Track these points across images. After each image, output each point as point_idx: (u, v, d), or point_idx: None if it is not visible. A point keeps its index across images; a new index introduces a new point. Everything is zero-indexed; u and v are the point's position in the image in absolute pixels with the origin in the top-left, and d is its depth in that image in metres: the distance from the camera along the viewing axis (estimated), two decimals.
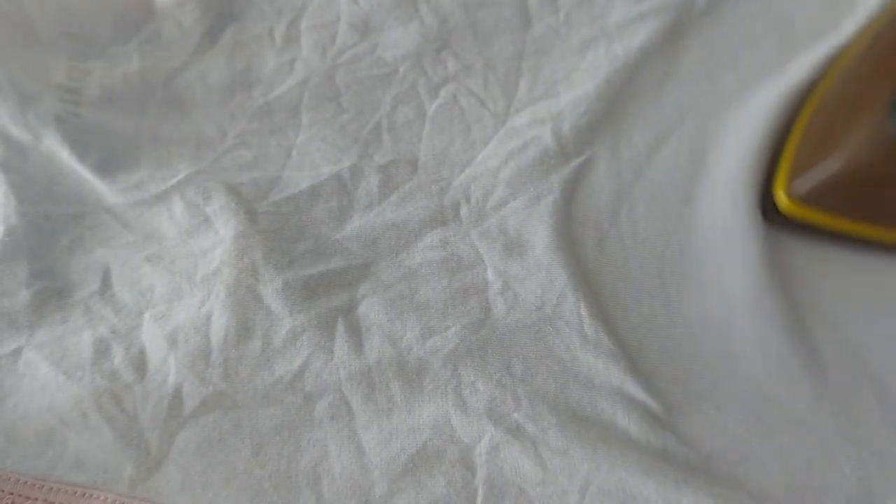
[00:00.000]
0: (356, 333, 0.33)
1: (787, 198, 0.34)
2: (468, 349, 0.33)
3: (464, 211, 0.37)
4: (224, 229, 0.35)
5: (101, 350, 0.33)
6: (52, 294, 0.34)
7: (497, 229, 0.36)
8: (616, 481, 0.29)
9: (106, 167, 0.38)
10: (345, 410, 0.32)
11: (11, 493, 0.29)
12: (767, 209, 0.35)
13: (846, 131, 0.33)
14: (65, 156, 0.37)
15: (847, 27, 0.39)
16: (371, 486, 0.30)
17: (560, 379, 0.32)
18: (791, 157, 0.35)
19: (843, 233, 0.34)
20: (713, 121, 0.39)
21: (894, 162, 0.32)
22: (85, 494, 0.29)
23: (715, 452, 0.31)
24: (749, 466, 0.31)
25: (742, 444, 0.31)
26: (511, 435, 0.31)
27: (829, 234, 0.34)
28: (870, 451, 0.31)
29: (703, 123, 0.39)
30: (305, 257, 0.35)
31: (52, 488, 0.30)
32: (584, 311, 0.34)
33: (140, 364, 0.32)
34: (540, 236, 0.36)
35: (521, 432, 0.31)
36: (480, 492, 0.30)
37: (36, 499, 0.29)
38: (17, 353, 0.33)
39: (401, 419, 0.31)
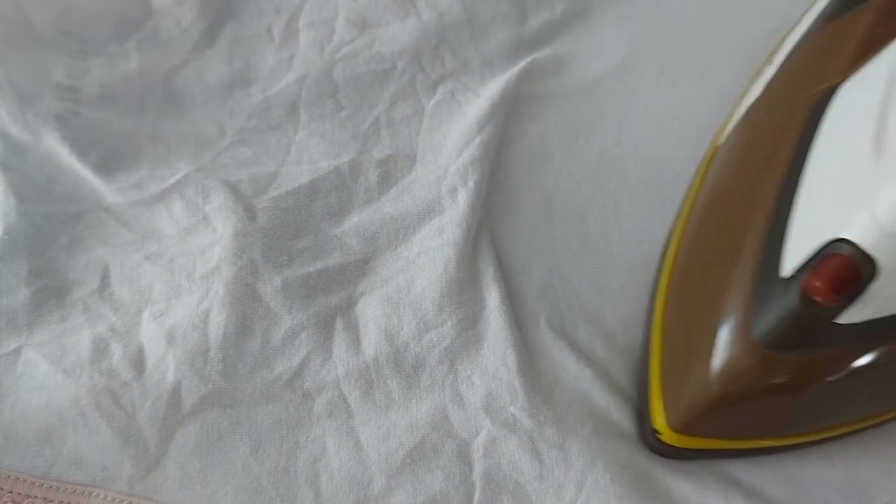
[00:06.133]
0: (354, 331, 0.33)
1: (670, 431, 0.29)
2: (464, 343, 0.33)
3: (461, 195, 0.36)
4: (223, 227, 0.35)
5: (100, 348, 0.33)
6: (51, 293, 0.34)
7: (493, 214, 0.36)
8: (611, 475, 0.29)
9: (105, 166, 0.37)
10: (343, 407, 0.32)
11: (10, 492, 0.29)
12: (648, 438, 0.31)
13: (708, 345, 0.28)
14: (64, 155, 0.37)
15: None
16: (369, 482, 0.30)
17: (555, 370, 0.32)
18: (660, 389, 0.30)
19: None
20: (704, 117, 0.39)
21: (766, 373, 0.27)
22: (84, 492, 0.29)
23: None
24: (740, 458, 0.31)
25: None
26: (508, 429, 0.31)
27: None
28: (860, 447, 0.30)
29: (693, 120, 0.39)
30: (304, 255, 0.35)
31: (51, 486, 0.29)
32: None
33: (138, 362, 0.32)
34: None
35: (518, 426, 0.31)
36: (478, 486, 0.30)
37: (35, 497, 0.29)
38: (16, 352, 0.33)
39: (398, 415, 0.31)
